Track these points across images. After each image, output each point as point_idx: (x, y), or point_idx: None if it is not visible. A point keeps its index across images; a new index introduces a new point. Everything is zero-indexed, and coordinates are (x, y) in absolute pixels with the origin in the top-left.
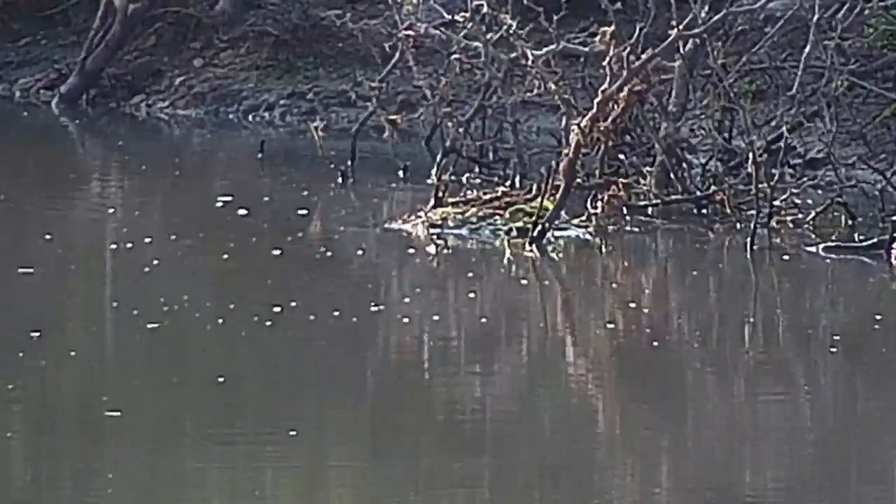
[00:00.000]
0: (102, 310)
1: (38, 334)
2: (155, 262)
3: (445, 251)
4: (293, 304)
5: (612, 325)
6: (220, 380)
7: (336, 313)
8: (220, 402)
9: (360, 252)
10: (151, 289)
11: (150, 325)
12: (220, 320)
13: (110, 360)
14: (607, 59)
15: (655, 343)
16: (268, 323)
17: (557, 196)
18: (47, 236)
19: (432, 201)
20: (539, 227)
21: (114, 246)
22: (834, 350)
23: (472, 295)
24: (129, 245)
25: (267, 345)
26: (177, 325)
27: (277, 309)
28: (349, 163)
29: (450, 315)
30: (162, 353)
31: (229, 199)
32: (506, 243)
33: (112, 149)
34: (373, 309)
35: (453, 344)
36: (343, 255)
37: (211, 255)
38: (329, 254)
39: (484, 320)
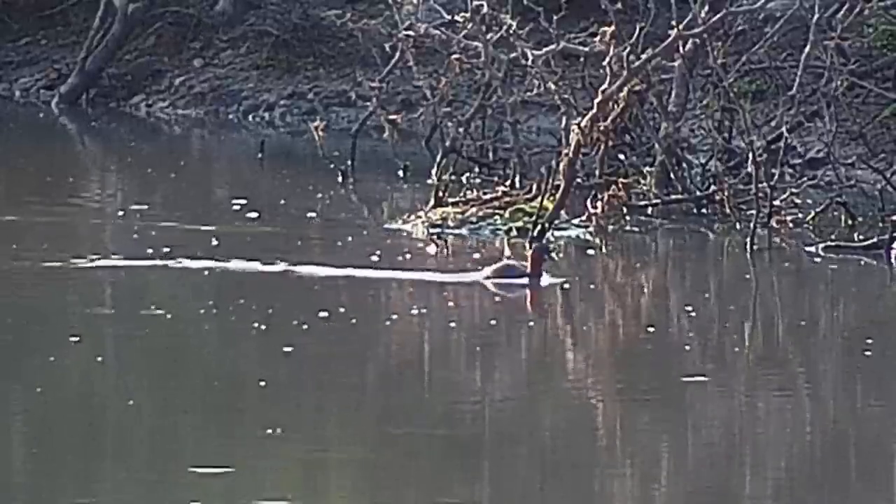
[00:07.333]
0: (139, 315)
1: (76, 339)
2: (196, 266)
3: (451, 251)
4: (341, 309)
5: (652, 329)
6: (262, 383)
7: (394, 317)
8: (244, 402)
9: (402, 258)
10: (194, 295)
11: (187, 331)
12: (263, 326)
13: (150, 364)
14: (607, 59)
15: (688, 347)
16: (304, 326)
17: (557, 196)
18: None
19: (432, 201)
20: (539, 227)
21: (150, 250)
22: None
23: (499, 299)
24: (167, 249)
25: (309, 349)
26: (216, 329)
27: (324, 314)
28: (349, 163)
29: (501, 319)
30: (197, 357)
31: (244, 201)
32: (506, 243)
33: (114, 150)
34: (413, 312)
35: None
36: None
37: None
38: (375, 258)
39: (532, 324)
